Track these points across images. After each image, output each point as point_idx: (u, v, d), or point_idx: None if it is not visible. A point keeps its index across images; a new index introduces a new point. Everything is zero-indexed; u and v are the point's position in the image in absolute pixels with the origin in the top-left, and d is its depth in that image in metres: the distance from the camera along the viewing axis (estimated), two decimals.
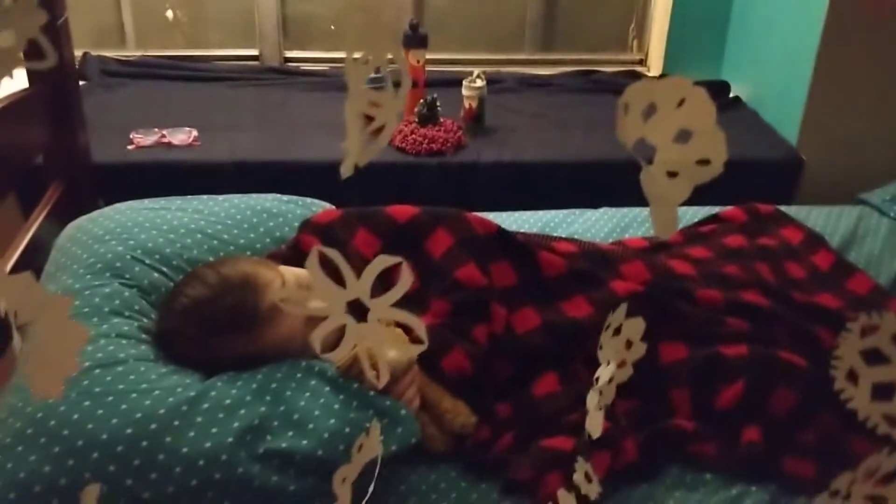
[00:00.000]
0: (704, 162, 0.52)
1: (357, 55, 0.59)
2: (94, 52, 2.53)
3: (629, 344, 0.69)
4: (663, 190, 0.55)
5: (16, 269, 1.61)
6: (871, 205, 2.03)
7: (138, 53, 2.60)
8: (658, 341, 1.39)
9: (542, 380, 1.33)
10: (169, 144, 2.05)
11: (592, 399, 0.66)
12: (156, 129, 2.07)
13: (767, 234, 1.81)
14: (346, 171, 0.62)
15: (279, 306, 1.23)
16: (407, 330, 1.30)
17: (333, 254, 0.61)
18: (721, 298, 1.48)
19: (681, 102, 0.51)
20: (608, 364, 0.64)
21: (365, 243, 1.44)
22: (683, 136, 0.52)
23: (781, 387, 1.32)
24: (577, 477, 0.80)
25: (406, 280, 0.60)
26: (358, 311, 0.48)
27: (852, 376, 0.68)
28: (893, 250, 1.85)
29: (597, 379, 0.70)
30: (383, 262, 0.63)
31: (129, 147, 2.04)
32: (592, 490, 0.76)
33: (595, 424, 0.64)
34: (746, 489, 1.23)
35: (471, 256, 1.39)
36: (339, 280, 0.56)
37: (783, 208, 1.93)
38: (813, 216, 1.94)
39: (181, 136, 2.06)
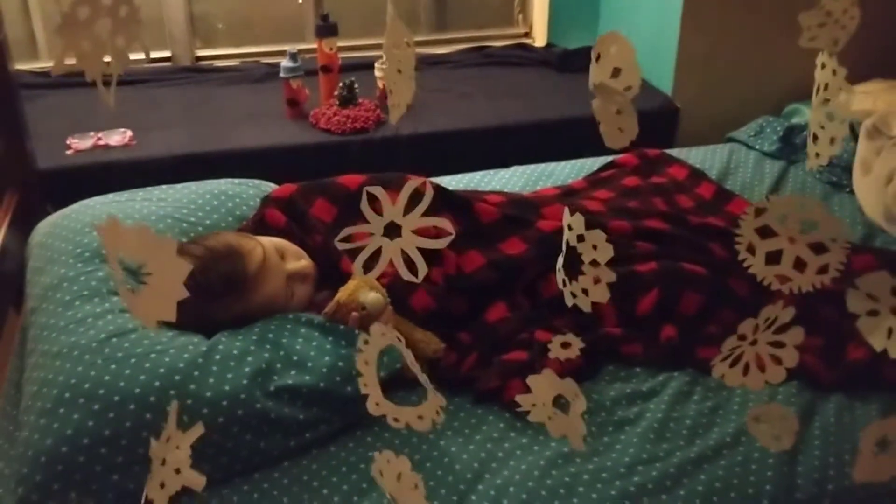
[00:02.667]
0: (628, 88, 0.75)
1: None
2: None
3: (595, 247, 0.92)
4: (609, 113, 0.78)
5: None
6: (738, 141, 2.34)
7: (52, 64, 2.66)
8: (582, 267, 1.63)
9: (492, 309, 1.56)
10: (106, 146, 2.16)
11: (587, 280, 0.89)
12: (91, 133, 2.18)
13: (657, 173, 2.09)
14: (394, 118, 0.82)
15: (264, 270, 1.41)
16: (379, 278, 1.50)
17: (378, 191, 0.81)
18: (630, 227, 1.74)
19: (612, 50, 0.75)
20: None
21: (323, 210, 1.62)
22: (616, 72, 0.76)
23: (688, 291, 1.58)
24: (555, 351, 1.02)
25: (430, 193, 0.80)
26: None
27: (751, 249, 0.94)
28: (762, 176, 2.16)
29: (564, 264, 0.93)
30: (414, 183, 0.83)
31: (68, 152, 2.14)
32: (573, 351, 0.99)
33: (601, 294, 0.86)
34: (670, 375, 1.49)
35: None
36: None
37: (667, 151, 2.22)
38: (692, 155, 2.23)
39: (116, 137, 2.18)
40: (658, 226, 1.77)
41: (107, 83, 0.68)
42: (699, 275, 1.61)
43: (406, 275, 0.81)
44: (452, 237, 0.77)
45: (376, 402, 0.85)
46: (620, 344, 1.53)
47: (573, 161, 2.20)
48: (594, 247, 0.91)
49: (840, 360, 1.50)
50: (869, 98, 2.26)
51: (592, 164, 2.16)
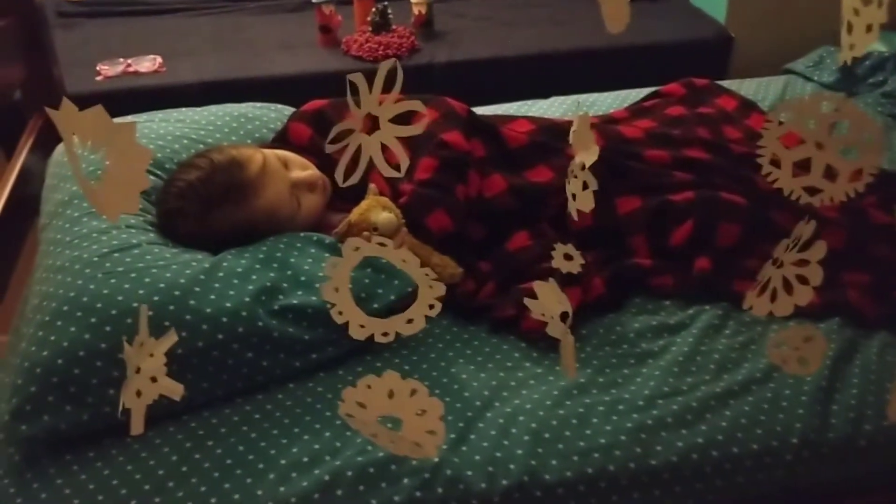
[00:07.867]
0: None
1: None
2: None
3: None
4: None
5: (12, 194, 1.71)
6: (796, 73, 2.20)
7: None
8: (615, 196, 1.54)
9: (514, 237, 1.48)
10: (136, 73, 2.13)
11: (577, 184, 0.81)
12: (121, 60, 2.15)
13: (705, 104, 1.96)
14: None
15: (264, 174, 1.36)
16: (395, 197, 1.44)
17: (357, 77, 0.73)
18: (668, 156, 1.63)
19: None
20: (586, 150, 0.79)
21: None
22: None
23: (726, 222, 1.48)
24: (557, 261, 0.95)
25: (401, 75, 0.72)
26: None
27: (774, 162, 0.84)
28: None
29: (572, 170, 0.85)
30: (388, 64, 0.74)
31: (97, 78, 2.12)
32: (574, 266, 0.92)
33: (586, 202, 0.78)
34: (701, 308, 1.40)
35: (455, 126, 1.53)
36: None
37: (718, 82, 2.09)
38: (745, 87, 2.10)
39: (146, 64, 2.15)
40: (698, 155, 1.66)
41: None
42: (738, 205, 1.51)
43: (387, 171, 0.74)
44: (427, 119, 0.70)
45: (360, 325, 0.76)
46: (650, 276, 1.45)
47: (616, 91, 2.09)
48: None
49: (888, 296, 1.39)
50: None
51: (637, 94, 2.05)
